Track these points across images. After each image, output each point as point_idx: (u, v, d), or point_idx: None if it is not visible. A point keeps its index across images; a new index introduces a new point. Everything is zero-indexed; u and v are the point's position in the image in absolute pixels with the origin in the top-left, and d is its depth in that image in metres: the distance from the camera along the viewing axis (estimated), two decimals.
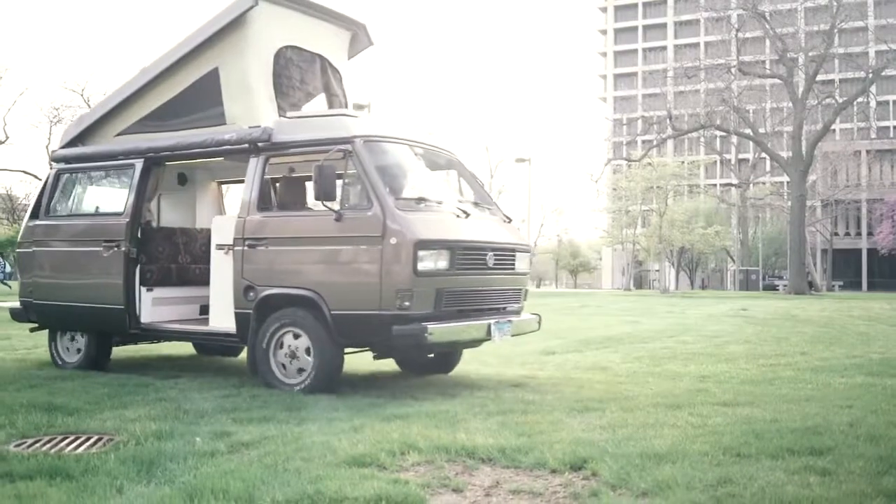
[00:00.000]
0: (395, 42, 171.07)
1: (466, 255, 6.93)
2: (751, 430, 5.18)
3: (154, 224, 9.49)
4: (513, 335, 7.42)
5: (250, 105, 7.60)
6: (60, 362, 8.71)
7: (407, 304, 6.48)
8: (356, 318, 6.66)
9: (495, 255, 7.23)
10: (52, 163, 9.14)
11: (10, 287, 37.84)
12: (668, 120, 54.89)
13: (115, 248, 8.13)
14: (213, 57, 7.82)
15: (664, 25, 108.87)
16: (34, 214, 9.01)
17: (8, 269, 44.35)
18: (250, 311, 7.14)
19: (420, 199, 7.07)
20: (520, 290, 7.83)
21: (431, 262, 6.59)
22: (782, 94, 56.57)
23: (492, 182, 68.74)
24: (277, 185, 8.13)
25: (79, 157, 8.82)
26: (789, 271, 53.06)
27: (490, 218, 7.74)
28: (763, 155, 64.74)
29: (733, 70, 52.59)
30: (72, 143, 8.91)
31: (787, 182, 60.06)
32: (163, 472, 4.35)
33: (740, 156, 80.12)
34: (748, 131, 54.14)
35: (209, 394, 6.81)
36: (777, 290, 58.95)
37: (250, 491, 3.96)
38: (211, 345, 9.34)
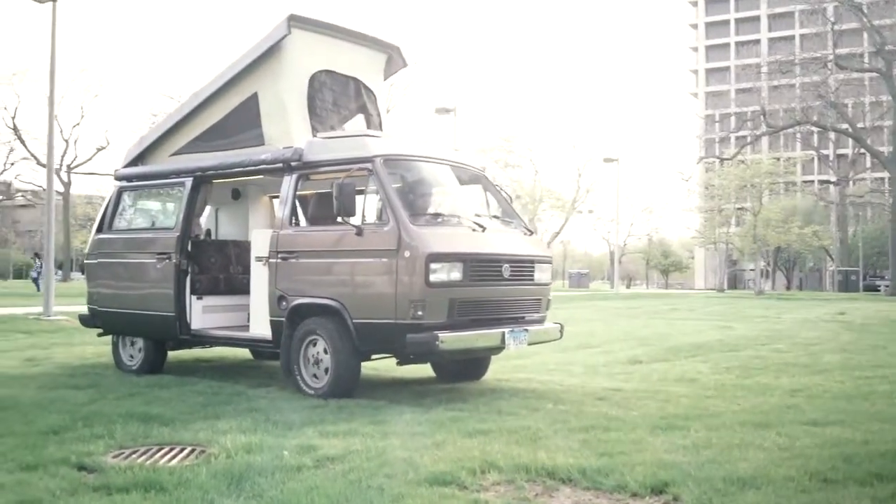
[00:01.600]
0: (485, 40, 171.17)
1: (480, 266, 7.29)
2: (840, 454, 5.04)
3: (208, 237, 9.96)
4: (530, 344, 7.78)
5: (286, 127, 8.14)
6: (122, 366, 9.31)
7: (420, 313, 6.87)
8: (375, 327, 7.07)
9: (511, 266, 7.55)
10: (115, 181, 9.73)
11: (39, 290, 36.40)
12: (761, 116, 53.51)
13: (167, 260, 8.71)
14: (252, 82, 8.40)
15: (757, 18, 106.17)
16: (99, 228, 9.65)
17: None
18: (283, 320, 7.63)
19: (436, 214, 7.63)
20: (540, 300, 8.10)
21: (444, 273, 6.95)
22: (882, 87, 54.48)
23: (579, 181, 68.06)
24: (311, 201, 8.46)
25: (137, 175, 9.48)
26: (891, 271, 51.13)
27: (509, 231, 8.15)
28: (863, 151, 62.49)
29: (829, 64, 50.88)
30: (133, 162, 9.57)
31: (889, 178, 57.84)
32: (252, 487, 4.48)
33: (838, 151, 77.44)
34: (846, 127, 52.33)
35: (297, 404, 6.98)
36: (878, 290, 56.84)
37: None
38: (262, 350, 9.59)
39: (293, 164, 7.81)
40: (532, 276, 7.91)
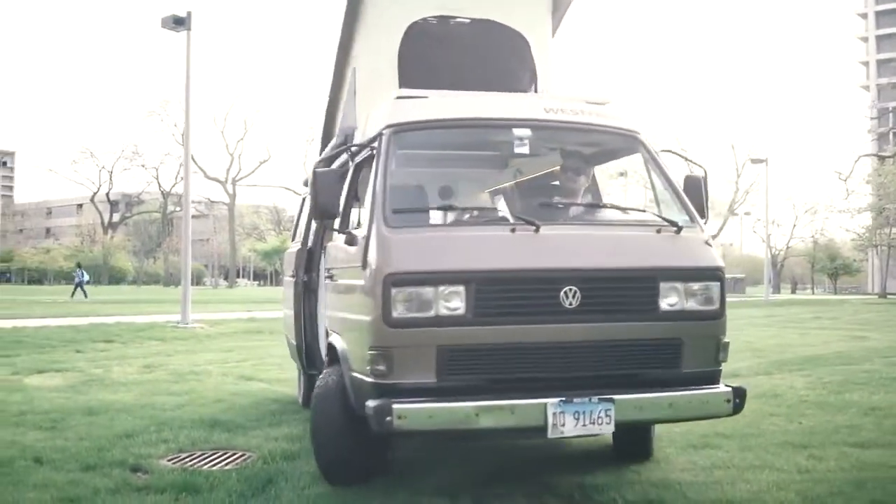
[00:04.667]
0: (640, 34, 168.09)
1: (508, 290, 4.47)
2: (854, 479, 4.92)
3: None
4: (621, 424, 4.45)
5: (372, 99, 5.90)
6: (298, 395, 8.07)
7: (381, 367, 4.35)
8: (356, 384, 4.71)
9: (584, 288, 4.44)
10: (304, 187, 8.41)
11: (86, 296, 36.95)
12: None
13: (294, 277, 7.17)
14: (353, 55, 6.60)
15: None
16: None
17: (86, 277, 42.54)
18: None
19: (447, 207, 5.31)
20: (677, 344, 4.61)
21: (423, 304, 4.37)
22: None
23: (738, 181, 66.03)
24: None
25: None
26: None
27: (610, 228, 5.04)
28: None
29: None
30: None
31: None
32: (274, 491, 4.87)
33: None
34: None
35: None
36: None
37: None
38: None
39: (352, 148, 5.60)
40: (652, 302, 4.59)
